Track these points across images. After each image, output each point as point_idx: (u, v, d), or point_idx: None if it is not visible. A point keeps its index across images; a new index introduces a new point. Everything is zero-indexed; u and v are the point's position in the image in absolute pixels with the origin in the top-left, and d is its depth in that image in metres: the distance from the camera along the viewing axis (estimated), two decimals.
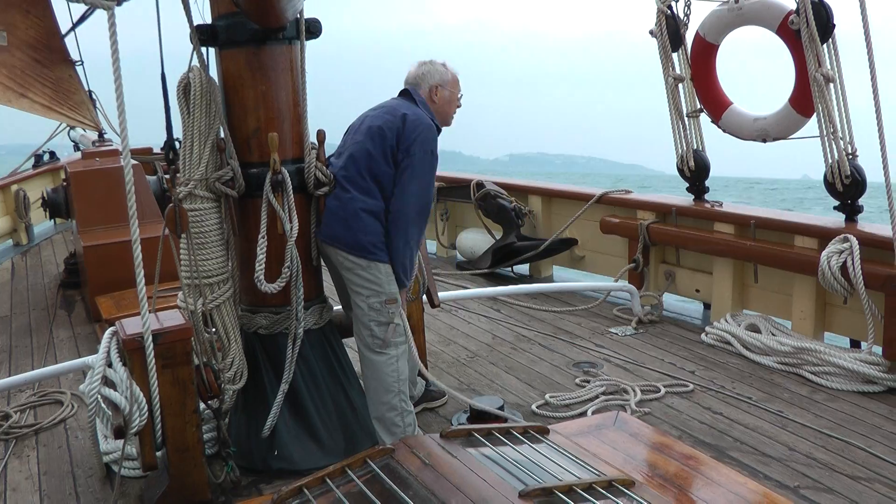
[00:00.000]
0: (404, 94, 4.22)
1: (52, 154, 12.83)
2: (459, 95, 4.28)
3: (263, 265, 3.76)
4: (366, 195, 3.90)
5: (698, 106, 6.36)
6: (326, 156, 4.09)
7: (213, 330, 3.93)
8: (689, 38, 6.26)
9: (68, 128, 12.48)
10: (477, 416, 4.14)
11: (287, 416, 3.98)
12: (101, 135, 11.40)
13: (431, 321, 4.95)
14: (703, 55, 6.22)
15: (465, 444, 2.87)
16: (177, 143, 10.45)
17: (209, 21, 3.93)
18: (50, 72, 10.31)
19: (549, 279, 7.81)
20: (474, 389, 4.95)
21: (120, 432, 3.48)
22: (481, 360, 5.50)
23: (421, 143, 3.93)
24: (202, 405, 3.78)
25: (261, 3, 3.41)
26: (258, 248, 3.78)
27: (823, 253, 5.03)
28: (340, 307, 4.41)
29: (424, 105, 4.13)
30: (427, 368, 4.83)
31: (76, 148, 13.16)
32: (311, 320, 4.06)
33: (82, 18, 3.13)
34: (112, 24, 3.07)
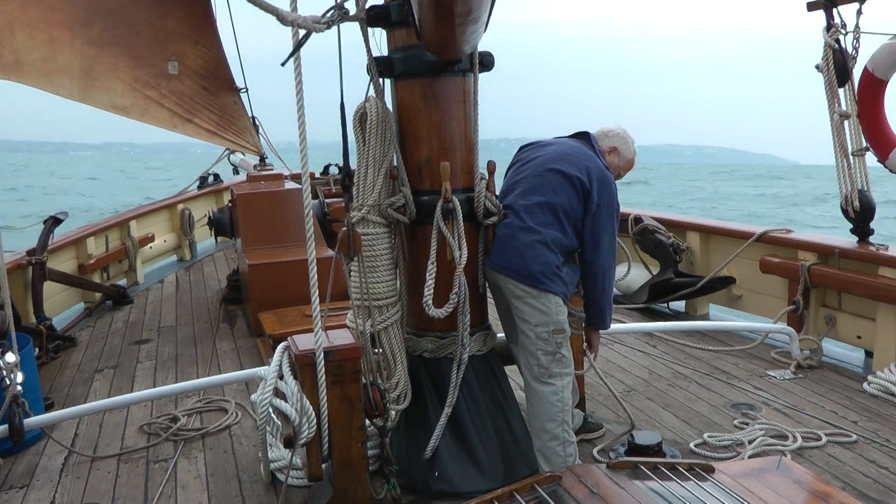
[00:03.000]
0: (583, 136, 4.33)
1: (216, 176, 13.45)
2: (623, 172, 4.46)
3: (432, 290, 3.84)
4: (545, 227, 3.95)
5: (864, 144, 6.16)
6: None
7: (379, 351, 4.06)
8: (857, 73, 6.08)
9: (229, 152, 13.06)
10: (635, 450, 4.11)
11: (448, 439, 4.05)
12: (262, 159, 11.90)
13: None
14: (871, 91, 6.04)
15: (631, 476, 2.88)
16: (333, 168, 10.81)
17: (386, 53, 4.09)
18: (216, 98, 10.80)
19: (706, 317, 7.66)
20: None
21: (289, 442, 3.63)
22: (638, 394, 5.46)
23: (608, 196, 4.05)
24: (367, 422, 3.90)
25: (443, 37, 3.52)
26: (427, 274, 3.87)
27: None
28: (503, 335, 4.47)
29: (601, 155, 4.25)
30: (585, 401, 4.84)
31: (235, 172, 13.76)
32: (475, 346, 4.13)
33: (299, 45, 3.36)
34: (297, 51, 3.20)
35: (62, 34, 8.54)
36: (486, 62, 4.09)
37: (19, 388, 4.68)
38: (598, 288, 4.15)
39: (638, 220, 7.95)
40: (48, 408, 5.57)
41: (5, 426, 4.65)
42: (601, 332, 4.45)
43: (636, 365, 6.12)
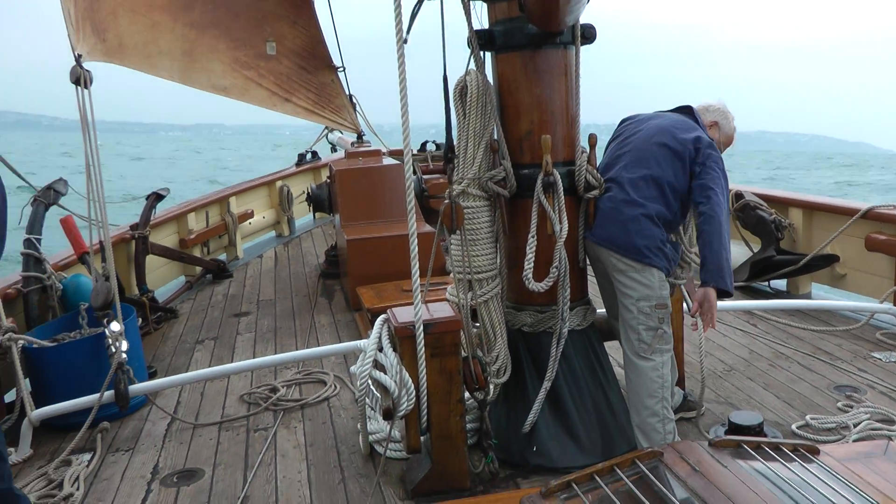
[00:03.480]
0: (686, 110, 4.25)
1: (315, 154, 13.61)
2: (723, 147, 4.34)
3: (532, 264, 3.83)
4: (650, 201, 3.90)
5: None
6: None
7: (478, 324, 4.06)
8: None
9: (328, 130, 13.19)
10: (735, 430, 4.04)
11: (547, 414, 4.03)
12: (360, 136, 11.99)
13: (686, 331, 4.86)
14: None
15: (734, 455, 2.82)
16: (430, 145, 10.80)
17: (487, 26, 4.07)
18: (313, 77, 10.90)
19: (808, 296, 7.42)
20: (731, 403, 4.84)
21: (388, 414, 3.66)
22: (738, 373, 5.36)
23: (715, 160, 3.93)
24: (465, 396, 3.90)
25: (547, 7, 3.49)
26: (528, 248, 3.85)
27: None
28: (602, 310, 4.43)
29: (704, 129, 4.16)
30: (685, 379, 4.77)
31: (333, 149, 13.91)
32: (575, 321, 4.10)
33: (414, 14, 3.48)
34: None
35: (163, 18, 8.73)
36: (588, 35, 4.04)
37: (124, 355, 4.86)
38: (714, 237, 3.80)
39: (739, 195, 7.74)
40: (151, 376, 5.75)
41: (111, 391, 4.83)
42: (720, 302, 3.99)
43: (736, 344, 6.00)
